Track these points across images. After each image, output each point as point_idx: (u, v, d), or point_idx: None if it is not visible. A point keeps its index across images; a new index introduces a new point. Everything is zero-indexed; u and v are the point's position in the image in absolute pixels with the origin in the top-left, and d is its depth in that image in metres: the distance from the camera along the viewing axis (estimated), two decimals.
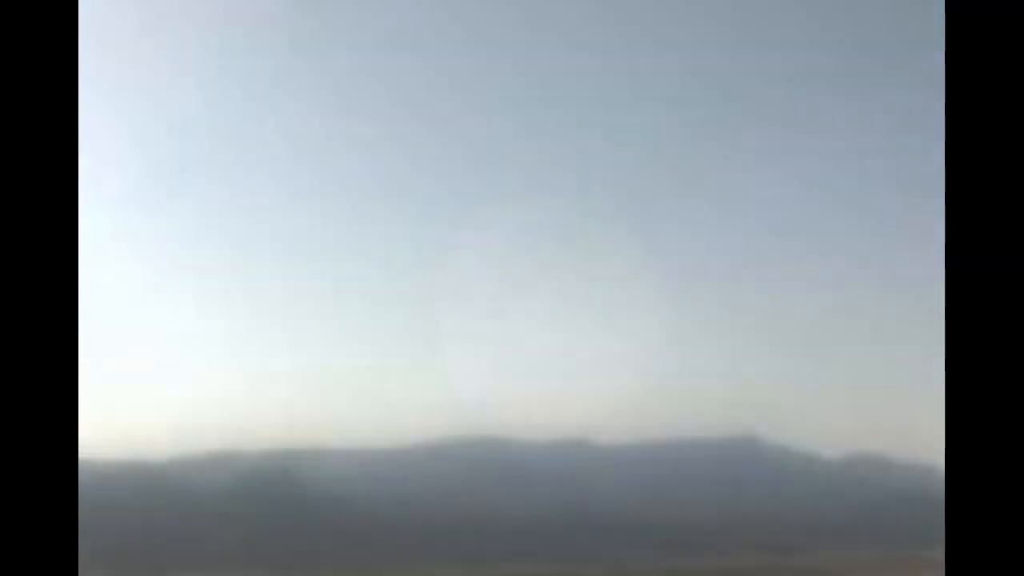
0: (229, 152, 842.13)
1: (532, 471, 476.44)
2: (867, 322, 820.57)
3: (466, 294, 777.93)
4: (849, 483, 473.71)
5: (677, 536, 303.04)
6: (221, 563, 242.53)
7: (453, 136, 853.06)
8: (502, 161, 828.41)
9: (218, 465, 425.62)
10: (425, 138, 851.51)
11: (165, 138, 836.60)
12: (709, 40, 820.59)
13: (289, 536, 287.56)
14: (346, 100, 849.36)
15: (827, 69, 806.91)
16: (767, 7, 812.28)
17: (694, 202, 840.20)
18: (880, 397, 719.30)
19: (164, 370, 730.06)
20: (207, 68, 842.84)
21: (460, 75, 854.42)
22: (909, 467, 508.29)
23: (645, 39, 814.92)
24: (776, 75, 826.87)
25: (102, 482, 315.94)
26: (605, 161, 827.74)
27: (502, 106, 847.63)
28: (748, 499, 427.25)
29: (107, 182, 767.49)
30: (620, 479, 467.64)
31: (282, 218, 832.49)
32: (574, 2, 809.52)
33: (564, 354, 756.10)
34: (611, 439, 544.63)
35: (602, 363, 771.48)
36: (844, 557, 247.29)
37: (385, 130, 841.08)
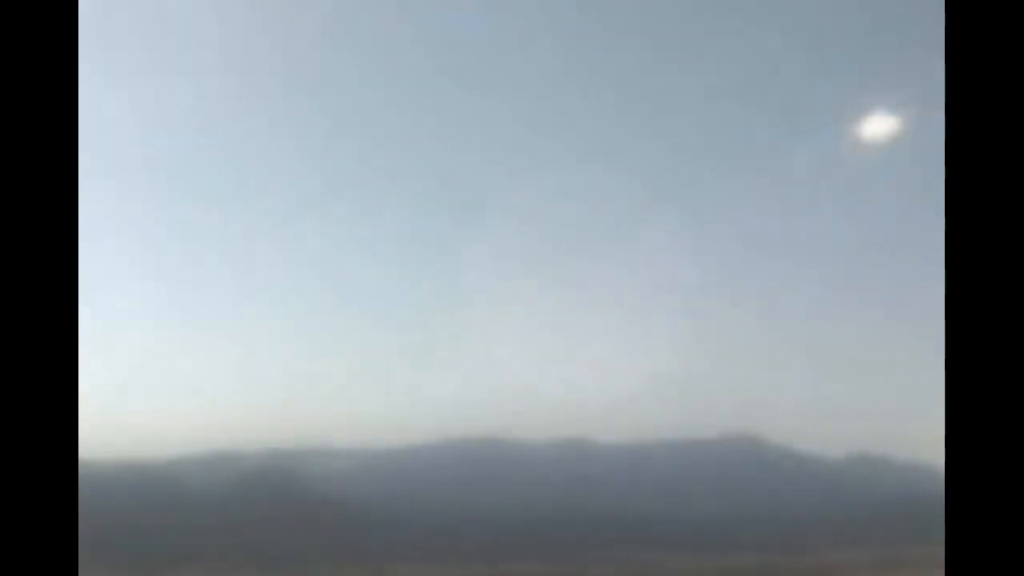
0: (230, 151, 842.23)
1: (532, 471, 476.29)
2: (868, 322, 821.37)
3: (466, 295, 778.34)
4: (850, 483, 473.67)
5: (678, 536, 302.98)
6: (221, 563, 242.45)
7: (456, 139, 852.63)
8: (502, 163, 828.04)
9: (218, 465, 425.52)
10: (430, 140, 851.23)
11: (165, 138, 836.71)
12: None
13: (289, 536, 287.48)
14: (348, 96, 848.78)
15: (825, 70, 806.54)
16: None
17: (694, 205, 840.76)
18: (881, 397, 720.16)
19: (164, 370, 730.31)
20: (208, 67, 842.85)
21: (467, 64, 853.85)
22: (910, 467, 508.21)
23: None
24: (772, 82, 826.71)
25: (102, 482, 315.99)
26: (603, 164, 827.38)
27: (503, 103, 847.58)
28: (749, 499, 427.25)
29: (107, 182, 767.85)
30: (620, 479, 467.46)
31: (282, 217, 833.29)
32: None
33: (565, 354, 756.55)
34: (611, 439, 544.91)
35: (603, 363, 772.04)
36: (844, 557, 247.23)
37: (388, 127, 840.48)
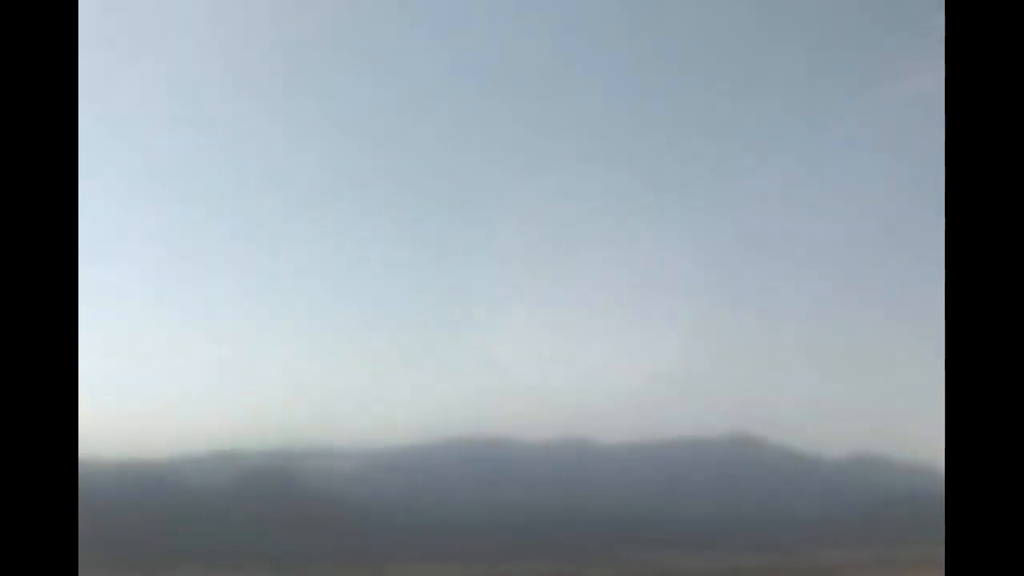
0: (230, 151, 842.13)
1: (532, 471, 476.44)
2: (868, 322, 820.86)
3: (466, 295, 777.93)
4: (850, 483, 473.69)
5: (677, 536, 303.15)
6: (221, 562, 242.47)
7: (456, 138, 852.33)
8: (502, 163, 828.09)
9: (218, 464, 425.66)
10: (429, 140, 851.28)
11: (165, 138, 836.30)
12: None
13: (289, 535, 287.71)
14: (349, 96, 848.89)
15: (826, 68, 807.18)
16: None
17: (694, 204, 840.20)
18: (881, 397, 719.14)
19: (164, 370, 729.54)
20: (208, 67, 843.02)
21: (466, 64, 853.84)
22: (910, 467, 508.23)
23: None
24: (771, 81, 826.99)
25: (102, 482, 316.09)
26: (603, 164, 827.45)
27: (503, 103, 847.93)
28: (749, 499, 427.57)
29: (107, 182, 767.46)
30: (620, 479, 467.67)
31: (282, 217, 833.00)
32: None
33: (565, 354, 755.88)
34: (611, 439, 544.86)
35: (603, 362, 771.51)
36: (844, 557, 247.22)
37: (388, 127, 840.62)
